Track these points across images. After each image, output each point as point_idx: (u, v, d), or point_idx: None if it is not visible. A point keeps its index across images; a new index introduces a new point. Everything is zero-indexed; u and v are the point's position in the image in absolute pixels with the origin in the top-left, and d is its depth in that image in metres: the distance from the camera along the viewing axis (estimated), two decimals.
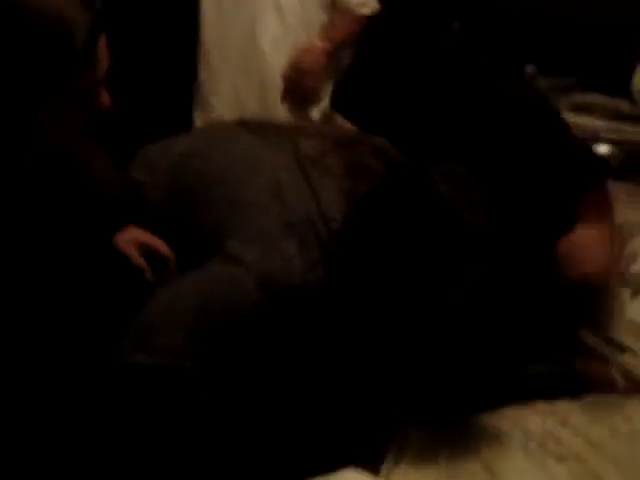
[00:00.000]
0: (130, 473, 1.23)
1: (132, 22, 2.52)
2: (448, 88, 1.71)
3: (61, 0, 0.95)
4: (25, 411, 1.17)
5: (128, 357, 1.22)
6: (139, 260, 1.36)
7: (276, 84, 2.33)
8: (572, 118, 2.30)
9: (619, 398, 1.65)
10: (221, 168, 1.38)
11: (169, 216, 1.40)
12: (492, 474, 1.40)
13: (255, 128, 1.49)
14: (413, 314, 1.29)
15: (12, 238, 1.08)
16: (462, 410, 1.51)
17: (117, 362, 1.23)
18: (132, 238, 1.36)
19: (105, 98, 1.06)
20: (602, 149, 2.52)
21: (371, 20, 2.45)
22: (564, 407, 1.59)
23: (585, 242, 1.59)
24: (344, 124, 1.52)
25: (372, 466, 1.33)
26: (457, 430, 1.50)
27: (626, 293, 1.89)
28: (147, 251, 1.37)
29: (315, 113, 2.38)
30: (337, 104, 2.30)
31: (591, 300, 1.74)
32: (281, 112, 2.30)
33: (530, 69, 2.89)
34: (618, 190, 2.10)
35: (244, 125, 1.51)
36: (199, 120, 2.36)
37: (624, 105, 2.77)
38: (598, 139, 2.55)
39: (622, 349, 1.89)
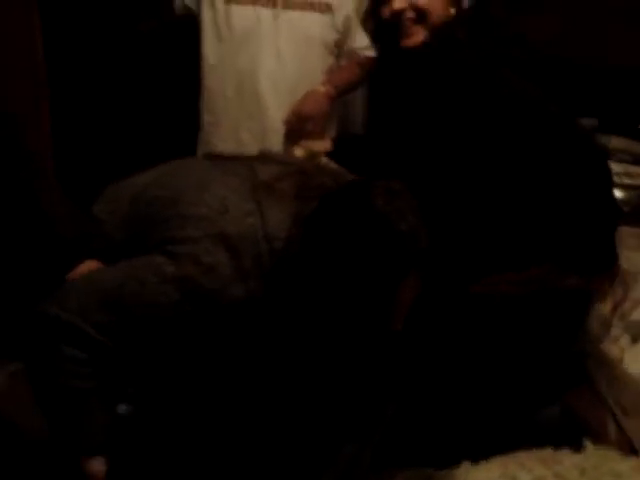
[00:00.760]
0: None
1: (141, 68, 2.62)
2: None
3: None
4: None
5: (43, 307, 1.33)
6: None
7: (277, 127, 2.35)
8: None
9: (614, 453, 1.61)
10: (175, 192, 1.45)
11: (128, 244, 1.47)
12: None
13: (218, 158, 1.55)
14: (351, 325, 1.33)
15: None
16: (447, 453, 1.50)
17: (33, 311, 1.35)
18: (85, 271, 1.47)
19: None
20: (616, 194, 2.46)
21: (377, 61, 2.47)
22: (558, 457, 1.56)
23: None
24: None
25: None
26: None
27: (626, 339, 1.85)
28: None
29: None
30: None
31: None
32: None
33: None
34: (627, 235, 2.06)
35: (209, 157, 1.56)
36: None
37: None
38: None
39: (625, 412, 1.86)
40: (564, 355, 1.73)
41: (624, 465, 1.54)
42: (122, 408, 1.46)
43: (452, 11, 1.70)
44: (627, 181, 2.59)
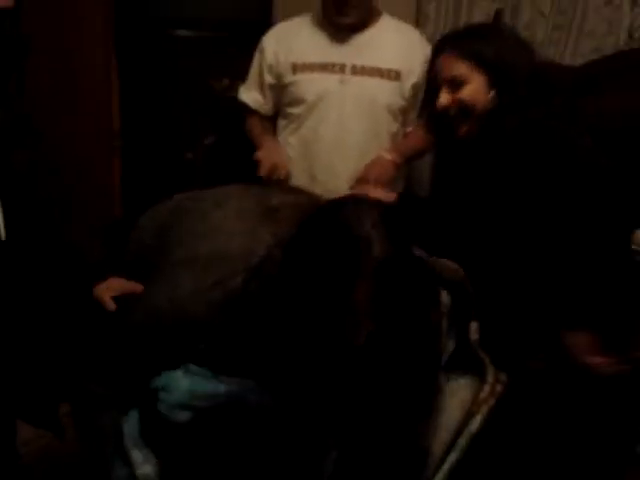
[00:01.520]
0: None
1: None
2: None
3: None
4: None
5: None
6: (109, 304, 1.62)
7: (341, 191, 2.34)
8: None
9: None
10: (197, 202, 1.64)
11: (156, 249, 1.63)
12: None
13: (251, 186, 1.74)
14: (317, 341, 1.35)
15: None
16: None
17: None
18: (108, 286, 1.65)
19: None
20: None
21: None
22: None
23: None
24: None
25: None
26: None
27: None
28: (123, 294, 1.65)
29: None
30: None
31: None
32: None
33: None
34: None
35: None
36: None
37: None
38: None
39: None
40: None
41: None
42: None
43: (491, 94, 1.71)
44: None
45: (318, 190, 2.35)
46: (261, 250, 1.45)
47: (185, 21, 2.64)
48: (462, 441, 1.40)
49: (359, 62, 2.32)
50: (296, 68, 2.35)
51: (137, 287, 1.61)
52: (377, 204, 1.43)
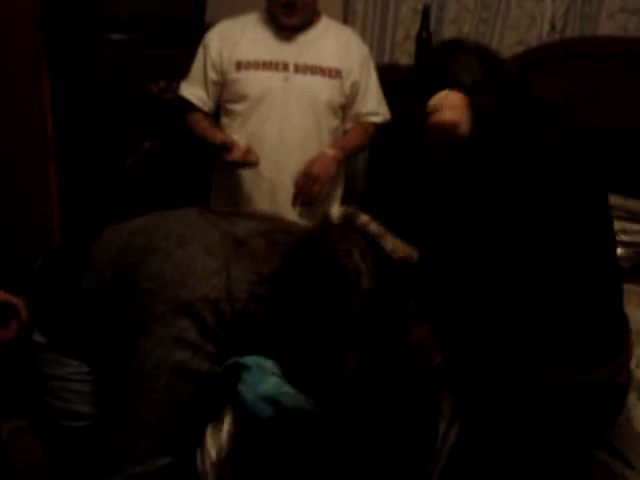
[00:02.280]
0: None
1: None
2: None
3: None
4: None
5: None
6: None
7: (286, 188, 2.42)
8: None
9: None
10: (155, 240, 1.49)
11: (115, 286, 1.50)
12: None
13: (206, 211, 1.61)
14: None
15: None
16: None
17: None
18: None
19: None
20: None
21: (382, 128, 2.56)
22: None
23: None
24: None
25: None
26: None
27: (633, 397, 1.87)
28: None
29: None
30: None
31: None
32: (289, 213, 2.38)
33: None
34: (629, 293, 2.09)
35: (199, 209, 1.62)
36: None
37: (637, 206, 2.77)
38: None
39: (631, 466, 1.88)
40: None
41: None
42: None
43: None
44: (624, 238, 2.65)
45: (265, 186, 2.43)
46: (243, 292, 1.39)
47: (118, 25, 2.59)
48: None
49: (302, 60, 2.38)
50: (240, 65, 2.38)
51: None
52: (362, 231, 1.40)
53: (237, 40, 2.40)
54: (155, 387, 1.35)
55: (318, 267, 1.33)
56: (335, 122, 2.48)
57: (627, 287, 2.01)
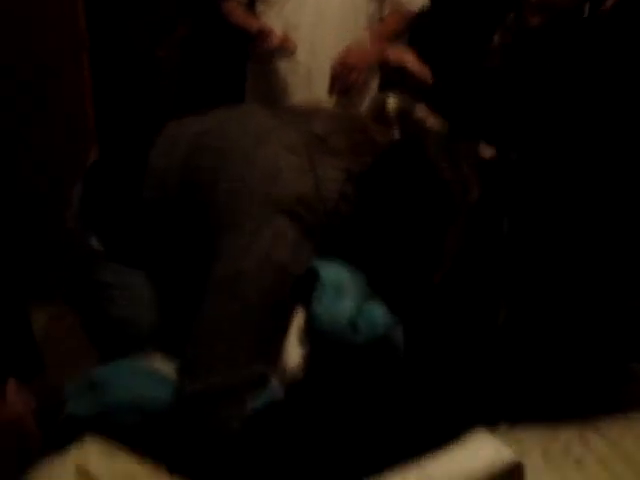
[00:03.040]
0: None
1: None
2: None
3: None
4: None
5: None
6: None
7: (323, 74, 2.38)
8: None
9: None
10: (230, 141, 1.40)
11: (181, 192, 1.42)
12: None
13: (274, 108, 1.56)
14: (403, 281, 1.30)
15: None
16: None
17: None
18: None
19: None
20: None
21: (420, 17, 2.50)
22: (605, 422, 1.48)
23: None
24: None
25: None
26: None
27: None
28: None
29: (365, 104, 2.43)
30: None
31: None
32: (326, 101, 2.34)
33: None
34: None
35: (264, 105, 1.57)
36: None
37: None
38: None
39: None
40: None
41: None
42: None
43: None
44: None
45: (301, 71, 2.41)
46: (334, 191, 1.31)
47: None
48: None
49: None
50: None
51: None
52: (462, 142, 1.35)
53: None
54: (256, 290, 1.26)
55: (416, 174, 1.27)
56: (372, 7, 2.44)
57: None
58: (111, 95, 2.76)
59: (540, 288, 1.56)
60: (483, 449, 1.09)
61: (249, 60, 2.53)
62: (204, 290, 1.30)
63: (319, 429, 1.21)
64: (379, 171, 1.30)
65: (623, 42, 1.57)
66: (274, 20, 2.38)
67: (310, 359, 1.28)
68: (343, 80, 2.37)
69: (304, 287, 1.29)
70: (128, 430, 1.30)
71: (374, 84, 2.53)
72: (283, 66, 2.41)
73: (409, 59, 1.92)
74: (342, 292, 1.27)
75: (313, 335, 1.28)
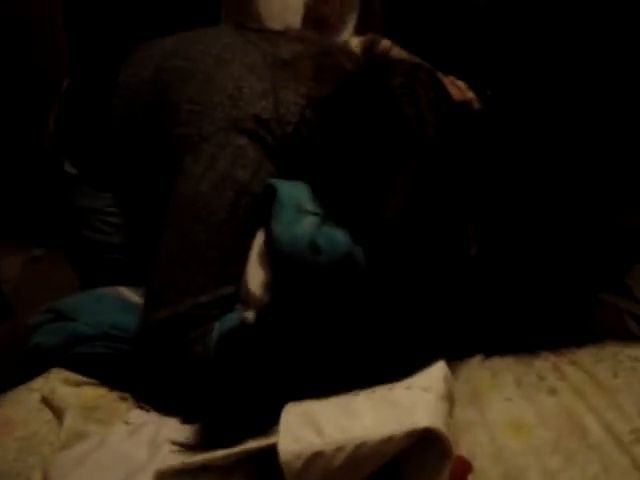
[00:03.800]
0: None
1: None
2: None
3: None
4: None
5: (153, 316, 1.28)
6: None
7: (297, 8, 2.27)
8: None
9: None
10: (194, 62, 1.42)
11: (149, 112, 1.44)
12: (477, 399, 1.35)
13: (242, 29, 1.52)
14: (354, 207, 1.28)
15: None
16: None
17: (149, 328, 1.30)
18: None
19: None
20: None
21: None
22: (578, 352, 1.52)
23: None
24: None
25: None
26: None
27: None
28: None
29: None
30: None
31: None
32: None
33: None
34: None
35: (234, 26, 1.55)
36: None
37: None
38: None
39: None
40: None
41: None
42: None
43: None
44: None
45: (275, 3, 2.31)
46: (293, 115, 1.33)
47: None
48: None
49: None
50: None
51: None
52: (429, 72, 1.31)
53: None
54: (216, 209, 1.27)
55: (376, 104, 1.24)
56: None
57: None
58: (83, 16, 2.68)
59: (511, 220, 1.55)
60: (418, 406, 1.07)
61: None
62: (166, 213, 1.29)
63: (287, 352, 1.19)
64: (338, 99, 1.30)
65: None
66: None
67: (273, 282, 1.27)
68: (317, 13, 2.25)
69: (264, 207, 1.30)
70: (94, 359, 1.29)
71: (351, 18, 2.37)
72: None
73: None
74: (301, 211, 1.25)
75: (274, 256, 1.25)
